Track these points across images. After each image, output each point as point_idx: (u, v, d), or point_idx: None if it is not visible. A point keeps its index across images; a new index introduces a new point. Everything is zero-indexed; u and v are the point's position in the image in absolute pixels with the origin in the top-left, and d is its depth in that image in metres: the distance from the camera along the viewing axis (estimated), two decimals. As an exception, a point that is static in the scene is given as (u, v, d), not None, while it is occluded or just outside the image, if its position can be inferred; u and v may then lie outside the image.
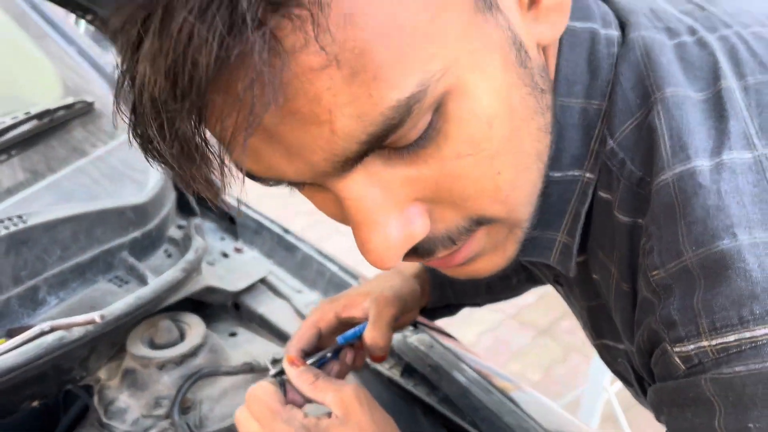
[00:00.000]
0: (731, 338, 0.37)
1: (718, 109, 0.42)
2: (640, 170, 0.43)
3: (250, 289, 1.04)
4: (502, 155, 0.40)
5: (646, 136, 0.43)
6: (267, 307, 1.03)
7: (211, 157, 0.37)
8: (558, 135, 0.47)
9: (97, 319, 0.68)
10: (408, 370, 0.93)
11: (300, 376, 0.68)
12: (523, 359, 2.57)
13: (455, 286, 0.88)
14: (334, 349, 0.77)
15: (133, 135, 0.38)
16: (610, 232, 0.47)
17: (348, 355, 0.78)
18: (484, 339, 2.74)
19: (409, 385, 0.91)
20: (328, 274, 1.06)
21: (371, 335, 0.75)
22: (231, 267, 1.07)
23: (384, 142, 0.37)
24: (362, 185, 0.39)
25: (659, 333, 0.41)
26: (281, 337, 0.99)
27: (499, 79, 0.39)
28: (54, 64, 1.15)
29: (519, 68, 0.40)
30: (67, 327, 0.69)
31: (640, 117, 0.44)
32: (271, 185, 0.43)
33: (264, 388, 0.66)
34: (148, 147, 0.37)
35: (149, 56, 0.33)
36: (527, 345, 2.58)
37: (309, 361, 0.73)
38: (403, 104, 0.35)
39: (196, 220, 1.06)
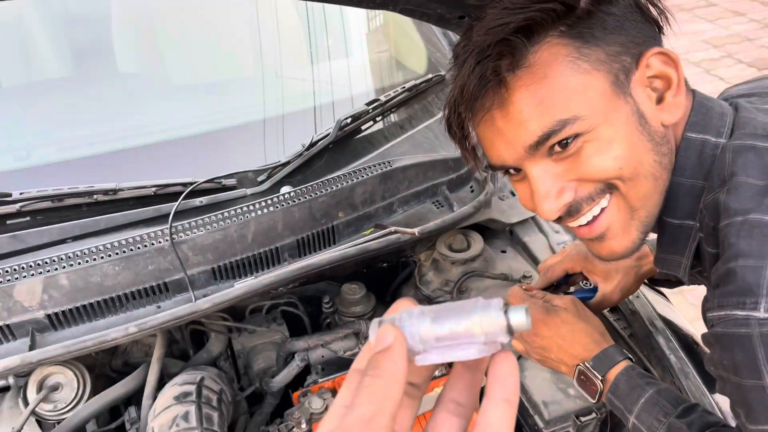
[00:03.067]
0: (721, 313, 0.70)
1: (765, 191, 0.69)
2: (711, 222, 0.74)
3: (522, 222, 1.48)
4: (623, 163, 0.75)
5: (715, 203, 0.73)
6: (530, 237, 1.46)
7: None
8: (674, 196, 0.79)
9: (417, 233, 1.23)
10: (614, 309, 1.27)
11: (536, 293, 1.11)
12: None
13: None
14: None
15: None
16: (706, 258, 0.79)
17: None
18: None
19: (612, 318, 1.27)
20: (579, 224, 1.42)
21: (595, 308, 1.13)
22: (513, 204, 1.52)
23: (547, 143, 0.75)
24: (541, 171, 0.79)
25: (705, 312, 0.75)
26: (535, 260, 1.42)
27: (622, 130, 0.74)
28: (425, 43, 1.67)
29: (639, 127, 0.75)
30: (401, 232, 1.24)
31: (718, 192, 0.74)
32: (497, 171, 0.86)
33: (517, 288, 1.12)
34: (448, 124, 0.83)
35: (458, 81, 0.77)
36: None
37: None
38: (557, 125, 0.73)
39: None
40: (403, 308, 0.42)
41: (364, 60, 1.80)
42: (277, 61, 1.66)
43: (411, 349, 0.39)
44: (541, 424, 1.13)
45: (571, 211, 0.80)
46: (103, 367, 1.35)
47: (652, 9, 0.76)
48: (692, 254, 0.82)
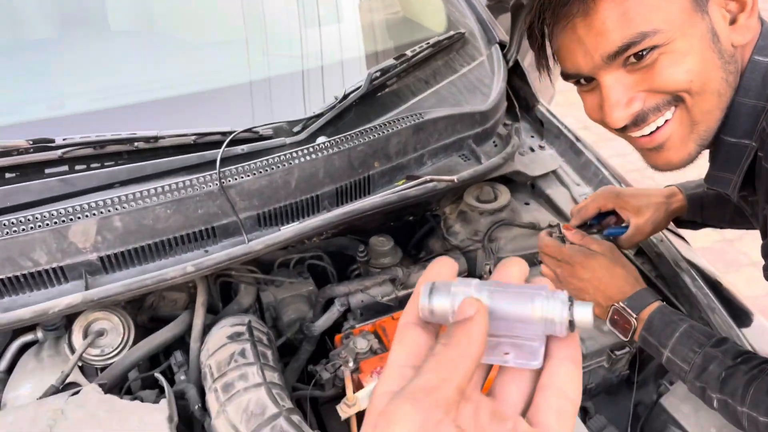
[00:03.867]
0: None
1: None
2: None
3: (543, 176, 1.53)
4: (694, 77, 0.80)
5: None
6: (552, 190, 1.51)
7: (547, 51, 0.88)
8: (734, 115, 0.84)
9: (455, 180, 1.26)
10: (640, 252, 1.34)
11: (574, 234, 1.16)
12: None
13: (705, 213, 1.22)
14: (600, 231, 1.22)
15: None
16: (763, 174, 0.84)
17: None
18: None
19: (638, 262, 1.33)
20: (600, 176, 1.48)
21: (628, 241, 1.18)
22: (534, 158, 1.57)
23: (625, 54, 0.79)
24: (614, 80, 0.84)
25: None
26: (558, 211, 1.48)
27: (697, 45, 0.78)
28: (442, 2, 1.70)
29: (712, 44, 0.80)
30: (438, 180, 1.28)
31: None
32: (569, 80, 0.90)
33: (549, 239, 1.16)
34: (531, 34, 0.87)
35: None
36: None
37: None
38: (637, 37, 0.77)
39: (517, 125, 1.57)
40: (445, 267, 0.41)
41: (375, 20, 1.81)
42: (301, 15, 1.67)
43: None
44: (577, 359, 1.19)
45: (637, 120, 0.85)
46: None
47: None
48: (744, 173, 0.87)
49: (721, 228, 1.26)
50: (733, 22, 0.82)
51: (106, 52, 1.42)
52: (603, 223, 1.24)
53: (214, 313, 1.38)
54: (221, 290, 1.43)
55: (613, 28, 0.78)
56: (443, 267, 0.42)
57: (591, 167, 1.51)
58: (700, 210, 1.22)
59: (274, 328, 1.42)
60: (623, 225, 1.20)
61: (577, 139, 1.56)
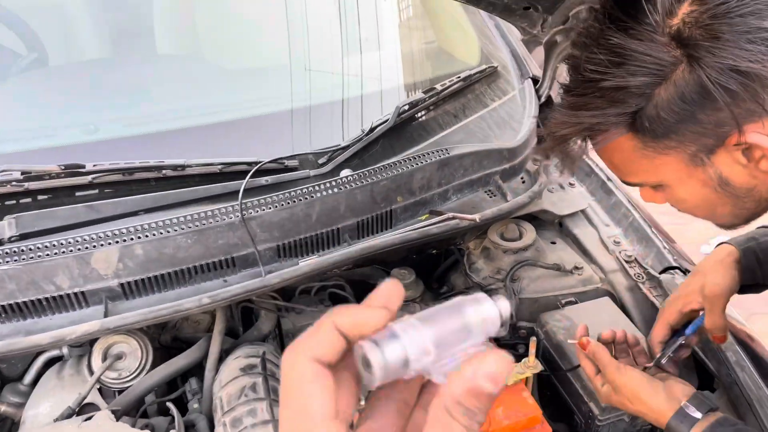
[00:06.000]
0: None
1: None
2: None
3: (572, 215, 1.50)
4: (697, 212, 0.88)
5: None
6: (581, 230, 1.48)
7: None
8: None
9: (477, 219, 1.25)
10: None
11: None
12: None
13: (764, 268, 1.10)
14: (684, 337, 1.10)
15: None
16: None
17: (694, 340, 1.13)
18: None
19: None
20: (630, 218, 1.44)
21: (711, 321, 1.07)
22: (562, 196, 1.54)
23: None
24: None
25: None
26: (585, 252, 1.44)
27: (698, 190, 0.82)
28: (477, 35, 1.69)
29: (717, 188, 0.80)
30: (460, 218, 1.27)
31: None
32: None
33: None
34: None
35: None
36: None
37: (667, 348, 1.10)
38: (637, 183, 0.87)
39: (547, 162, 1.54)
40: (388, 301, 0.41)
41: (411, 50, 1.82)
42: (324, 48, 1.68)
43: (420, 363, 0.38)
44: (596, 411, 1.15)
45: None
46: (152, 341, 1.37)
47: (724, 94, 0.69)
48: None
49: None
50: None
51: (144, 77, 1.46)
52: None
53: (234, 337, 1.39)
54: (243, 313, 1.44)
55: (623, 173, 0.87)
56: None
57: (621, 208, 1.47)
58: (757, 265, 1.10)
59: (292, 356, 1.43)
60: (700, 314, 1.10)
61: (609, 179, 1.52)
